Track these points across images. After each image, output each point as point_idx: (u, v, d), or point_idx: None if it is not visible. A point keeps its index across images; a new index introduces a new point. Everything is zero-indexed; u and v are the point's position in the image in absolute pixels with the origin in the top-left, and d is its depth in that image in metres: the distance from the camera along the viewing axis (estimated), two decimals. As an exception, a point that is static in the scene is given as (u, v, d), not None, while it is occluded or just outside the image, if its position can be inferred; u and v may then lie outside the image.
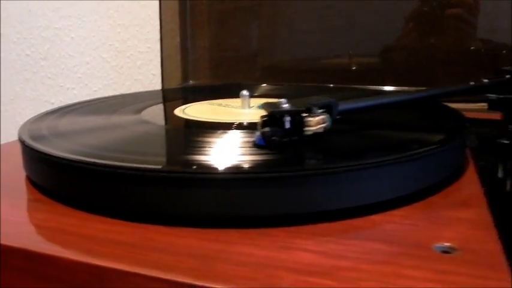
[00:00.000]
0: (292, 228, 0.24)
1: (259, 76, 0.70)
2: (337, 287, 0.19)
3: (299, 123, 0.26)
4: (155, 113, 0.38)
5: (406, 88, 0.57)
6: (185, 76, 0.71)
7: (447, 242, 0.22)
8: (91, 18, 0.79)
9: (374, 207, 0.25)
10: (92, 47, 0.80)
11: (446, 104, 0.40)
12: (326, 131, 0.27)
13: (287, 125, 0.26)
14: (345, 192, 0.25)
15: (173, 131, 0.33)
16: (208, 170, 0.24)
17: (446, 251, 0.21)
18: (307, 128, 0.27)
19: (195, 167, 0.25)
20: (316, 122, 0.27)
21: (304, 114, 0.27)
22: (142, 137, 0.32)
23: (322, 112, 0.28)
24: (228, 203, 0.24)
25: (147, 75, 0.77)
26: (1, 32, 0.86)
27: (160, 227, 0.24)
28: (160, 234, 0.24)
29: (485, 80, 0.38)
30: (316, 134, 0.27)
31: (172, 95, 0.49)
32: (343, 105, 0.28)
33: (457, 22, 0.59)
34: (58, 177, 0.28)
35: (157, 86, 0.72)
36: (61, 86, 0.84)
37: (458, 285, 0.19)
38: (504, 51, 0.57)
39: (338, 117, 0.29)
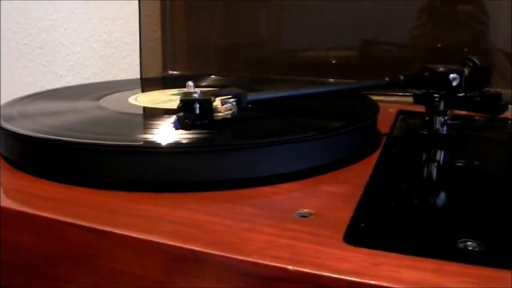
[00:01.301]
0: (192, 194, 0.29)
1: (234, 68, 0.75)
2: (198, 233, 0.24)
3: (208, 110, 0.32)
4: (112, 100, 0.43)
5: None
6: (165, 67, 0.76)
7: (308, 209, 0.27)
8: (82, 11, 0.84)
9: (267, 180, 0.30)
10: (82, 38, 0.86)
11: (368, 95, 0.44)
12: (234, 116, 0.32)
13: (197, 111, 0.31)
14: (240, 165, 0.30)
15: (117, 114, 0.38)
16: (126, 143, 0.30)
17: (303, 216, 0.26)
18: (216, 114, 0.32)
19: (111, 142, 0.30)
20: (224, 109, 0.32)
21: (216, 102, 0.32)
22: (92, 120, 0.37)
23: (233, 101, 0.33)
24: (144, 171, 0.29)
25: (131, 64, 0.82)
26: (1, 22, 0.92)
27: (87, 189, 0.30)
28: (85, 194, 0.29)
29: (401, 77, 0.42)
30: (226, 119, 0.32)
31: (137, 84, 0.54)
32: (251, 96, 0.33)
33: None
34: (18, 150, 0.34)
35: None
36: (55, 73, 0.90)
37: (295, 239, 0.24)
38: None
39: (249, 105, 0.34)
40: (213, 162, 0.29)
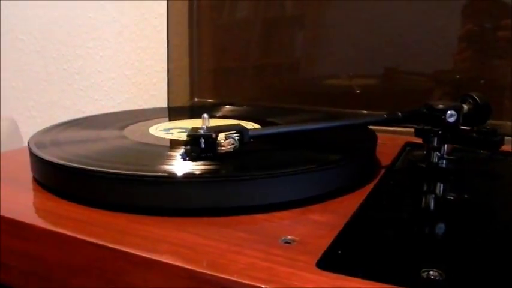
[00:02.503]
0: (194, 219, 0.33)
1: (257, 96, 0.79)
2: (192, 254, 0.28)
3: (212, 144, 0.36)
4: (135, 130, 0.48)
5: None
6: (192, 94, 0.81)
7: (293, 236, 0.30)
8: (116, 40, 0.90)
9: (262, 208, 0.34)
10: (116, 65, 0.92)
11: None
12: (237, 149, 0.36)
13: (202, 145, 0.35)
14: (237, 194, 0.34)
15: (135, 145, 0.43)
16: (136, 173, 0.34)
17: (287, 242, 0.30)
18: (220, 148, 0.36)
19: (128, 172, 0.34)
20: (227, 143, 0.36)
21: (220, 137, 0.36)
22: (112, 149, 0.42)
23: (236, 136, 0.37)
24: (151, 197, 0.33)
25: (161, 91, 0.87)
26: (44, 49, 0.99)
27: (103, 210, 0.34)
28: (101, 215, 0.34)
29: (399, 113, 0.45)
30: (228, 152, 0.36)
31: (161, 114, 0.59)
32: (252, 132, 0.37)
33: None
34: (45, 174, 0.39)
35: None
36: (91, 97, 0.97)
37: (274, 263, 0.27)
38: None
39: (251, 140, 0.38)
40: (214, 191, 0.33)
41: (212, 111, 0.58)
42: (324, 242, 0.29)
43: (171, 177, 0.33)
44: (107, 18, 0.91)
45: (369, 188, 0.40)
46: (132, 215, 0.33)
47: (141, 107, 0.89)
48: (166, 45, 0.82)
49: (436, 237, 0.32)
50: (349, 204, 0.36)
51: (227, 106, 0.61)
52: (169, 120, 0.53)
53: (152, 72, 0.88)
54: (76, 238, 0.31)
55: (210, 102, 0.77)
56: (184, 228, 0.31)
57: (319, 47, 0.74)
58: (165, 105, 0.80)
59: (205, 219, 0.33)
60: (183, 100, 0.81)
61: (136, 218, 0.33)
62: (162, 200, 0.33)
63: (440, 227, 0.34)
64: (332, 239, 0.30)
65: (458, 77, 0.68)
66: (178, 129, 0.48)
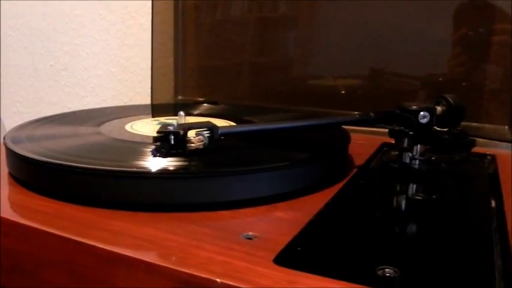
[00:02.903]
0: (161, 214, 0.33)
1: (240, 95, 0.79)
2: (154, 248, 0.28)
3: (182, 140, 0.36)
4: (111, 127, 0.49)
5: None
6: (176, 92, 0.82)
7: (254, 232, 0.31)
8: (103, 37, 0.91)
9: (229, 205, 0.35)
10: (103, 62, 0.92)
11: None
12: (207, 146, 0.37)
13: (171, 142, 0.36)
14: (205, 191, 0.34)
15: (110, 141, 0.43)
16: (104, 168, 0.34)
17: (249, 238, 0.30)
18: (189, 145, 0.37)
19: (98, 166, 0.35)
20: (197, 140, 0.37)
21: (192, 134, 0.37)
22: (86, 145, 0.42)
23: (206, 133, 0.37)
24: (120, 192, 0.34)
25: (146, 88, 0.88)
26: (31, 45, 0.99)
27: (72, 204, 0.35)
28: (70, 209, 0.34)
29: (372, 114, 0.46)
30: (198, 149, 0.37)
31: (141, 111, 0.59)
32: (222, 130, 0.37)
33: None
34: (19, 168, 0.39)
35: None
36: (77, 94, 0.97)
37: (233, 257, 0.28)
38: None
39: (222, 137, 0.38)
40: (181, 187, 0.34)
41: (191, 109, 0.59)
42: (284, 239, 0.30)
43: (138, 173, 0.34)
44: (94, 15, 0.91)
45: (339, 187, 0.41)
46: (101, 209, 0.34)
47: (126, 104, 0.90)
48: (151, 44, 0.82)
49: (396, 236, 0.33)
50: (315, 202, 0.37)
51: (205, 104, 0.62)
52: (152, 117, 0.53)
53: (138, 69, 0.89)
54: (43, 231, 0.32)
55: (193, 100, 0.77)
56: (150, 223, 0.32)
57: (304, 47, 0.75)
58: (150, 102, 0.80)
59: (173, 214, 0.33)
60: (166, 98, 0.81)
61: (103, 213, 0.34)
62: (130, 195, 0.34)
63: (402, 227, 0.34)
64: (293, 236, 0.31)
65: (440, 79, 0.69)
66: (155, 126, 0.48)
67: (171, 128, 0.36)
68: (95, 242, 0.30)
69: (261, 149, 0.42)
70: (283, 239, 0.30)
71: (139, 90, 0.89)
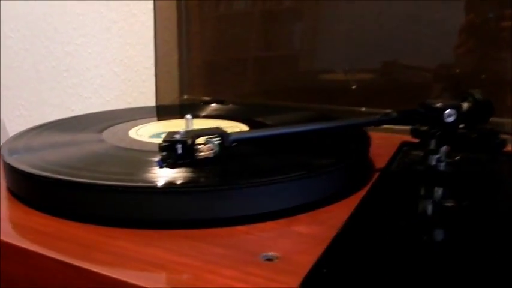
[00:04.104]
0: (167, 232, 0.30)
1: (248, 92, 0.76)
2: (161, 273, 0.25)
3: (190, 149, 0.33)
4: (114, 133, 0.45)
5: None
6: (181, 91, 0.79)
7: (275, 252, 0.28)
8: (105, 36, 0.88)
9: (242, 220, 0.31)
10: (105, 62, 0.89)
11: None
12: (217, 155, 0.34)
13: (179, 151, 0.33)
14: (215, 205, 0.31)
15: (112, 149, 0.40)
16: (105, 184, 0.31)
17: (268, 259, 0.27)
18: (198, 154, 0.33)
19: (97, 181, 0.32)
20: (206, 149, 0.33)
21: (199, 142, 0.34)
22: (87, 155, 0.39)
23: (216, 140, 0.34)
24: (122, 208, 0.31)
25: (150, 88, 0.85)
26: (32, 46, 0.96)
27: (73, 222, 0.32)
28: (71, 228, 0.31)
29: (395, 113, 0.42)
30: (208, 158, 0.34)
31: (146, 113, 0.56)
32: (234, 136, 0.34)
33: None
34: (16, 182, 0.36)
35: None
36: (80, 95, 0.94)
37: (252, 284, 0.24)
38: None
39: (233, 144, 0.35)
40: (188, 202, 0.31)
41: (198, 110, 0.56)
42: (308, 259, 0.27)
43: (143, 188, 0.31)
44: (94, 14, 0.88)
45: (361, 194, 0.37)
46: (102, 227, 0.31)
47: (130, 104, 0.87)
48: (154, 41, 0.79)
49: (434, 251, 0.29)
50: (338, 213, 0.33)
51: (213, 105, 0.58)
52: (158, 120, 0.50)
53: (141, 68, 0.86)
54: (41, 255, 0.29)
55: (199, 99, 0.74)
56: (157, 242, 0.29)
57: (314, 41, 0.72)
58: (154, 102, 0.77)
59: (180, 232, 0.30)
60: (172, 97, 0.78)
61: (106, 231, 0.30)
62: (134, 211, 0.31)
63: (439, 240, 0.31)
64: (318, 255, 0.27)
65: (458, 71, 0.65)
66: (160, 131, 0.45)
67: (177, 136, 0.33)
68: (96, 268, 0.26)
69: (274, 155, 0.38)
70: (307, 259, 0.27)
71: (143, 89, 0.86)
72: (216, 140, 0.34)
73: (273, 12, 0.73)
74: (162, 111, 0.61)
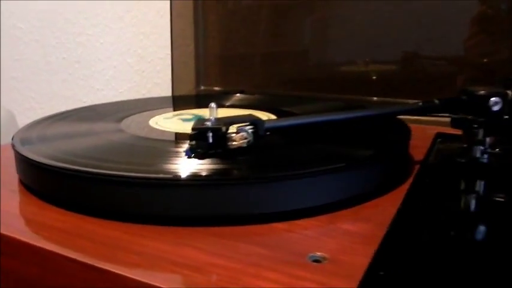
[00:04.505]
0: (199, 229, 0.27)
1: (268, 83, 0.73)
2: (198, 278, 0.22)
3: (222, 138, 0.30)
4: (133, 122, 0.42)
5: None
6: (197, 82, 0.75)
7: (323, 253, 0.24)
8: (117, 25, 0.85)
9: (282, 216, 0.28)
10: (118, 53, 0.86)
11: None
12: (251, 144, 0.31)
13: (210, 140, 0.29)
14: (251, 200, 0.28)
15: (132, 139, 0.37)
16: (129, 175, 0.28)
17: (316, 260, 0.24)
18: (231, 143, 0.30)
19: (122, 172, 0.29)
20: (239, 138, 0.30)
21: (231, 131, 0.30)
22: (106, 145, 0.36)
23: (249, 129, 0.31)
24: (148, 203, 0.28)
25: (165, 79, 0.82)
26: (43, 37, 0.93)
27: (93, 218, 0.29)
28: (90, 224, 0.28)
29: (436, 101, 0.39)
30: (240, 148, 0.30)
31: (164, 103, 0.53)
32: (269, 124, 0.31)
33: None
34: (30, 174, 0.33)
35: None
36: (92, 87, 0.91)
37: (301, 289, 0.21)
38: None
39: (267, 133, 0.32)
40: (223, 196, 0.28)
41: (220, 100, 0.52)
42: (360, 260, 0.24)
43: (172, 179, 0.28)
44: (106, 2, 0.85)
45: (404, 188, 0.34)
46: (126, 224, 0.28)
47: (144, 96, 0.84)
48: (169, 31, 0.76)
49: (496, 248, 0.26)
50: (383, 209, 0.30)
51: (237, 95, 0.55)
52: (174, 110, 0.47)
53: (155, 59, 0.83)
54: (58, 254, 0.26)
55: (217, 90, 0.71)
56: (188, 241, 0.26)
57: (332, 30, 0.68)
58: (170, 94, 0.74)
59: (214, 229, 0.27)
60: (188, 88, 0.75)
61: (130, 228, 0.27)
62: (161, 206, 0.28)
63: (498, 236, 0.28)
64: (370, 256, 0.24)
65: (485, 60, 0.62)
66: (183, 120, 0.42)
67: (208, 123, 0.30)
68: (123, 270, 0.23)
69: (309, 146, 0.35)
70: (359, 261, 0.24)
71: (157, 81, 0.83)
72: (250, 128, 0.31)
73: (289, 1, 0.70)
74: (179, 101, 0.58)
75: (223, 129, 0.29)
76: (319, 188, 0.29)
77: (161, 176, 0.28)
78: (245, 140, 0.30)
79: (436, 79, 0.63)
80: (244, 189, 0.27)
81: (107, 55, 0.87)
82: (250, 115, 0.31)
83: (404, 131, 0.39)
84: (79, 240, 0.27)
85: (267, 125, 0.31)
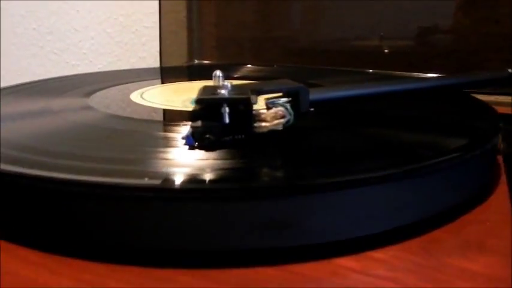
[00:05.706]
0: (209, 271, 0.16)
1: (272, 57, 0.62)
2: None
3: (246, 116, 0.18)
4: (107, 97, 0.31)
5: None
6: (190, 55, 0.64)
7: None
8: (95, -11, 0.73)
9: (344, 247, 0.17)
10: (96, 21, 0.75)
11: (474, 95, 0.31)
12: (287, 127, 0.19)
13: (226, 119, 0.18)
14: (286, 223, 0.17)
15: (104, 120, 0.25)
16: (97, 180, 0.17)
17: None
18: (259, 124, 0.19)
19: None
20: (272, 116, 0.19)
21: (258, 105, 0.19)
22: (72, 129, 0.25)
23: (286, 102, 0.19)
24: (148, 231, 0.16)
25: (152, 52, 0.71)
26: (8, 5, 0.82)
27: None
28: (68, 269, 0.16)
29: (510, 70, 0.29)
30: (273, 132, 0.19)
31: (149, 75, 0.41)
32: (317, 94, 0.20)
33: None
34: None
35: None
36: (67, 62, 0.80)
37: None
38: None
39: (311, 109, 0.20)
40: (236, 216, 0.16)
41: (226, 71, 0.41)
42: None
43: (162, 192, 0.16)
44: (82, -39, 0.73)
45: (502, 192, 0.23)
46: (108, 265, 0.16)
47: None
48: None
49: None
50: (495, 226, 0.19)
51: (249, 65, 0.43)
52: (162, 83, 0.36)
53: (141, 28, 0.72)
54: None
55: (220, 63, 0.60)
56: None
57: (345, 3, 0.59)
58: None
59: (242, 271, 0.16)
60: (178, 63, 0.65)
61: (114, 272, 0.16)
62: (158, 236, 0.16)
63: None
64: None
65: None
66: (178, 96, 0.31)
67: (223, 91, 0.18)
68: None
69: (365, 133, 0.24)
70: None
71: (143, 54, 0.72)
72: (287, 102, 0.19)
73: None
74: (170, 73, 0.46)
75: (254, 100, 0.17)
76: (403, 197, 0.18)
77: (146, 183, 0.17)
78: (282, 120, 0.19)
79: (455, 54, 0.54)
80: (289, 206, 0.16)
81: (84, 24, 0.76)
82: (287, 80, 0.20)
83: (487, 112, 0.28)
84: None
85: (312, 96, 0.20)
